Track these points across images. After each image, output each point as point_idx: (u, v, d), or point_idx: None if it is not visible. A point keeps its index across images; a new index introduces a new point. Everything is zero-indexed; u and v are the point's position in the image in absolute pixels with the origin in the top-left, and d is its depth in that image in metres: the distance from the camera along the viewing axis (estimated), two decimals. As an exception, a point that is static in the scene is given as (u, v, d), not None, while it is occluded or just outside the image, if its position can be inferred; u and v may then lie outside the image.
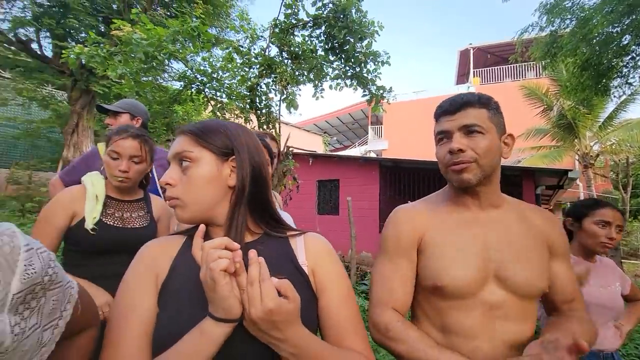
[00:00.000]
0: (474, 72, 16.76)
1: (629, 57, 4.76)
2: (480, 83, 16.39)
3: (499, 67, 16.53)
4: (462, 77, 18.95)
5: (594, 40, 4.46)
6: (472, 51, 16.81)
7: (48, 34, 7.48)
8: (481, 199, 0.90)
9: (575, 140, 11.62)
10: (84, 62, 4.45)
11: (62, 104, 9.04)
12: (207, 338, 0.54)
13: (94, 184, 1.32)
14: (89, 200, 1.27)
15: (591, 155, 11.77)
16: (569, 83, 5.57)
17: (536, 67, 13.63)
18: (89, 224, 1.23)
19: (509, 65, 15.47)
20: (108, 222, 1.29)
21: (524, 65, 15.19)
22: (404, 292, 0.87)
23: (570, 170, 7.01)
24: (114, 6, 7.23)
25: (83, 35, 7.38)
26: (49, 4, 6.86)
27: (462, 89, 16.46)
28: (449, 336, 0.84)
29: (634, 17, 4.14)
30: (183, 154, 0.66)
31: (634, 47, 4.56)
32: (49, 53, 7.86)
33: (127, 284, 0.65)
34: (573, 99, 6.35)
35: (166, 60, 4.52)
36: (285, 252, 0.71)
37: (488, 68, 16.83)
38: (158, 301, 0.62)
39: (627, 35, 4.36)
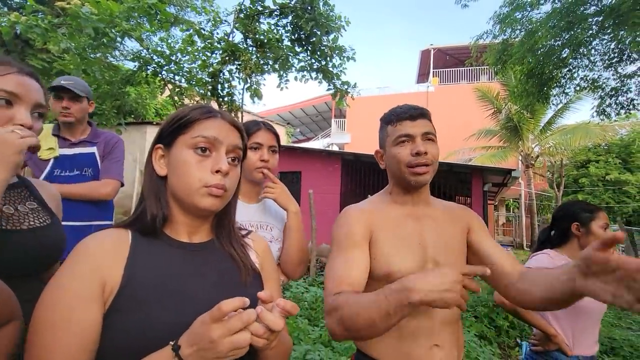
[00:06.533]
0: (433, 72, 17.50)
1: (567, 69, 5.27)
2: (438, 83, 17.18)
3: (456, 69, 17.42)
4: (422, 76, 19.71)
5: (539, 52, 4.87)
6: (432, 51, 17.51)
7: (-26, -5, 6.56)
8: (419, 198, 1.04)
9: (520, 142, 12.69)
10: (19, 32, 3.98)
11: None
12: None
13: None
14: None
15: (532, 157, 12.94)
16: (516, 89, 6.05)
17: (489, 71, 14.58)
18: None
19: (465, 68, 16.38)
20: None
21: (479, 69, 16.18)
22: (358, 275, 0.90)
23: (514, 169, 7.66)
24: (57, -29, 6.51)
25: (18, 0, 6.57)
26: (-25, -39, 6.00)
27: (422, 87, 17.15)
28: None
29: (572, 32, 4.58)
30: (237, 149, 0.68)
31: (571, 60, 5.06)
32: (-25, 18, 6.91)
33: (61, 289, 0.54)
34: (519, 104, 6.91)
35: (119, 38, 4.18)
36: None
37: (446, 69, 17.67)
38: (112, 308, 0.55)
39: (566, 49, 4.82)
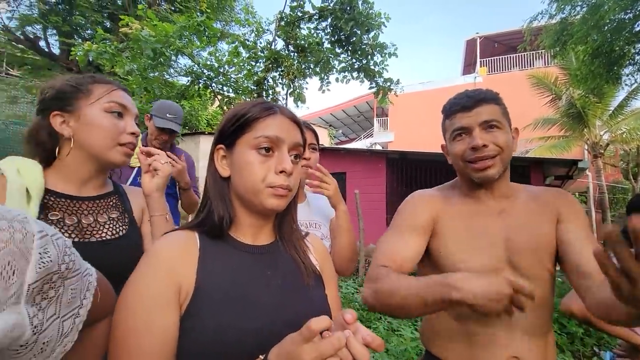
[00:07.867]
0: (480, 61, 16.50)
1: (641, 44, 4.67)
2: (487, 73, 16.15)
3: (506, 56, 16.24)
4: (468, 67, 18.67)
5: (606, 27, 4.36)
6: (478, 40, 16.52)
7: (55, 31, 7.53)
8: (494, 192, 0.92)
9: (585, 130, 11.42)
10: (91, 59, 4.50)
11: (70, 101, 9.13)
12: None
13: (22, 172, 0.77)
14: (11, 196, 0.73)
15: (601, 145, 11.58)
16: (579, 72, 5.47)
17: (544, 55, 13.38)
18: None
19: (517, 54, 15.20)
20: None
21: (532, 54, 14.93)
22: (408, 256, 0.86)
23: (580, 160, 6.95)
24: (119, 2, 7.26)
25: (89, 32, 7.43)
26: (55, 1, 6.90)
27: (469, 79, 16.23)
28: (465, 323, 0.86)
29: (646, 2, 4.05)
30: (299, 146, 0.67)
31: (646, 33, 4.47)
32: (56, 50, 7.94)
33: (139, 293, 0.54)
34: (583, 88, 6.23)
35: (173, 56, 4.55)
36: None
37: (495, 57, 16.55)
38: (187, 312, 0.55)
39: (639, 22, 4.27)
